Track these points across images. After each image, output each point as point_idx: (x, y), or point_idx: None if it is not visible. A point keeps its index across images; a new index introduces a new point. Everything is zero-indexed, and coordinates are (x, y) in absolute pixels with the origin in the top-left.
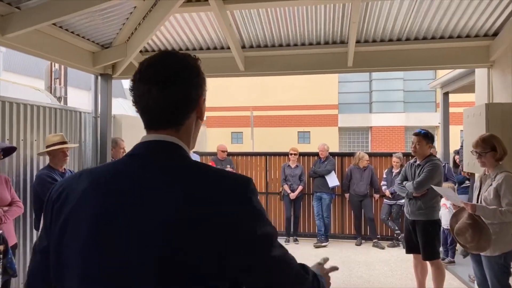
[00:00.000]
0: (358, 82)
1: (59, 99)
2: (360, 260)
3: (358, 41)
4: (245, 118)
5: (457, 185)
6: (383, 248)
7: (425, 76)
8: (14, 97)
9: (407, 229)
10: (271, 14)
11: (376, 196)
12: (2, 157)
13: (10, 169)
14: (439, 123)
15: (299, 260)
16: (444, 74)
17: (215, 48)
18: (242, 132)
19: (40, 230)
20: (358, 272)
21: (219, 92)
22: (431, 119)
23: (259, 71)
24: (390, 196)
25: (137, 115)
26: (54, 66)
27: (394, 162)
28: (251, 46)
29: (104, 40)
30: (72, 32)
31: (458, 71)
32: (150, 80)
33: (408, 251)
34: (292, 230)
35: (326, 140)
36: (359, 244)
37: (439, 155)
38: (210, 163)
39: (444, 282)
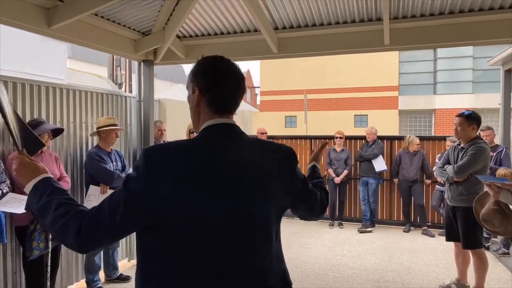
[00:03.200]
0: (421, 62)
1: (120, 85)
2: (405, 247)
3: (395, 17)
4: (299, 101)
5: None
6: (433, 236)
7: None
8: (74, 84)
9: (447, 216)
10: None
11: (428, 181)
12: (51, 137)
13: (61, 148)
14: (499, 103)
15: (342, 245)
16: (505, 48)
17: (248, 31)
18: (296, 116)
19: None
20: (399, 258)
21: (273, 75)
22: None
23: (293, 52)
24: (442, 182)
25: (181, 100)
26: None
27: (447, 146)
28: (284, 27)
29: (144, 27)
30: (113, 22)
31: None
32: (236, 78)
33: (448, 239)
34: (337, 215)
35: (385, 123)
36: (407, 231)
37: (498, 138)
38: None
39: (486, 273)
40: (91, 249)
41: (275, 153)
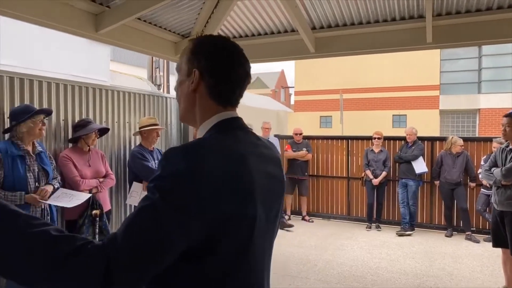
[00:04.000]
0: (464, 59)
1: (159, 86)
2: (447, 252)
3: (439, 14)
4: (335, 101)
5: None
6: (477, 241)
7: None
8: (111, 85)
9: (495, 221)
10: None
11: (472, 184)
12: (98, 136)
13: (106, 146)
14: None
15: (379, 248)
16: None
17: (285, 31)
18: (331, 116)
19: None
20: (441, 264)
21: (308, 75)
22: None
23: (331, 52)
24: (488, 185)
25: None
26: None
27: (494, 147)
28: (322, 27)
29: (184, 30)
30: (155, 25)
31: None
32: (245, 64)
33: (495, 245)
34: (374, 217)
35: (425, 124)
36: (449, 236)
37: None
38: (286, 147)
39: None
40: None
41: (278, 153)
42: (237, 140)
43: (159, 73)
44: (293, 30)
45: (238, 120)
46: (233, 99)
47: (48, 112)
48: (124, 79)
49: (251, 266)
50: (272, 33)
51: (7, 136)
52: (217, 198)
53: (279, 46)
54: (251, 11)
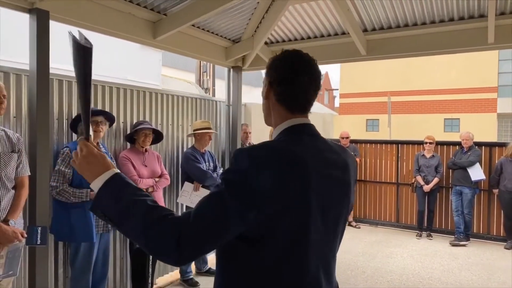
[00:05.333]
0: None
1: (206, 90)
2: (508, 265)
3: (502, 13)
4: (382, 104)
5: None
6: None
7: None
8: (166, 89)
9: None
10: None
11: None
12: (152, 141)
13: (160, 147)
14: None
15: (431, 257)
16: None
17: (336, 34)
18: (378, 119)
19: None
20: (501, 277)
21: (353, 77)
22: None
23: (383, 54)
24: None
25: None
26: (199, 60)
27: None
28: (374, 29)
29: (234, 35)
30: (207, 31)
31: None
32: (312, 75)
33: None
34: (425, 225)
35: (480, 128)
36: (509, 248)
37: None
38: None
39: None
40: (190, 261)
41: (350, 155)
42: (301, 144)
43: (206, 77)
44: (343, 33)
45: (307, 126)
46: (299, 105)
47: (106, 114)
48: (174, 83)
49: (303, 259)
50: (322, 36)
51: (75, 137)
52: (273, 194)
53: (330, 49)
54: (302, 15)
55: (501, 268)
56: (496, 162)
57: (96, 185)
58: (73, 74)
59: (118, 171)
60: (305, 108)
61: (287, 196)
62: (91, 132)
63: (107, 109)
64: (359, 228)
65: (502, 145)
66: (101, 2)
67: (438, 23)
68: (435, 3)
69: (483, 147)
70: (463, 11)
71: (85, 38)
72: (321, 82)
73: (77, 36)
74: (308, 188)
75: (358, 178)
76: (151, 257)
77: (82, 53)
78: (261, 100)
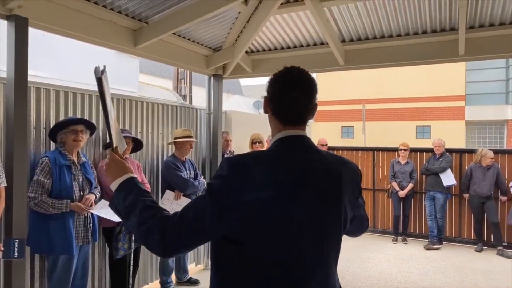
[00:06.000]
0: (491, 70)
1: (184, 97)
2: (478, 267)
3: (471, 27)
4: (357, 111)
5: None
6: (509, 257)
7: None
8: (145, 96)
9: None
10: (370, 6)
11: (503, 198)
12: (132, 149)
13: (140, 156)
14: None
15: (407, 261)
16: None
17: (315, 44)
18: (353, 127)
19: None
20: (473, 279)
21: (329, 85)
22: None
23: (360, 64)
24: None
25: (245, 112)
26: (180, 68)
27: None
28: (351, 40)
29: (215, 44)
30: (188, 39)
31: None
32: (302, 89)
33: None
34: (400, 229)
35: (450, 135)
36: (479, 251)
37: None
38: None
39: None
40: (173, 255)
41: (346, 167)
42: (289, 154)
43: (184, 84)
44: (322, 43)
45: (298, 138)
46: (290, 119)
47: (86, 123)
48: (151, 90)
49: (283, 266)
50: (301, 46)
51: (53, 146)
52: (249, 199)
53: (310, 58)
54: (282, 25)
55: (473, 270)
56: (466, 168)
57: (113, 186)
58: (50, 81)
59: (134, 175)
60: (297, 121)
61: (263, 203)
62: (115, 144)
63: (86, 118)
64: None
65: (471, 151)
66: (82, 9)
67: (412, 35)
68: (410, 16)
69: (454, 153)
70: (436, 24)
71: (103, 71)
72: (314, 93)
73: (100, 68)
74: (288, 196)
75: None
76: (131, 268)
77: (97, 83)
78: (241, 108)
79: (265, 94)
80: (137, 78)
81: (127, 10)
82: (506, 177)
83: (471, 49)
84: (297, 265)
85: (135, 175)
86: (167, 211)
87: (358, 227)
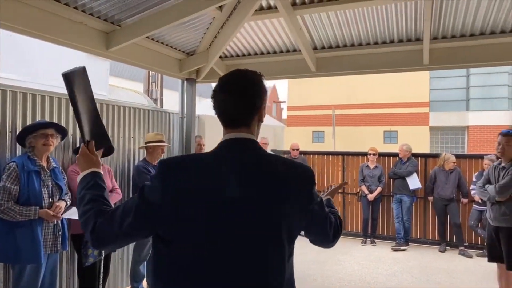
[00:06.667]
0: (453, 78)
1: (155, 100)
2: (442, 267)
3: (435, 38)
4: (327, 117)
5: None
6: (470, 257)
7: None
8: (116, 100)
9: (490, 236)
10: (341, 16)
11: (464, 200)
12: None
13: (111, 160)
14: None
15: (376, 262)
16: None
17: (287, 51)
18: (323, 131)
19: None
20: (437, 278)
21: (300, 91)
22: None
23: (331, 71)
24: (480, 201)
25: None
26: (152, 71)
27: (485, 164)
28: (323, 47)
29: (189, 48)
30: (162, 43)
31: None
32: (230, 91)
33: (490, 259)
34: (369, 232)
35: (415, 140)
36: (442, 251)
37: None
38: None
39: None
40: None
41: (294, 171)
42: (219, 157)
43: (155, 88)
44: (295, 50)
45: (240, 141)
46: (229, 122)
47: (56, 127)
48: (122, 93)
49: (205, 270)
50: (275, 52)
51: (19, 151)
52: (177, 202)
53: (282, 64)
54: (256, 32)
55: (437, 269)
56: (431, 171)
57: (78, 178)
58: (17, 83)
59: (97, 170)
60: (234, 123)
61: (193, 204)
62: (87, 138)
63: (55, 121)
64: None
65: (435, 156)
66: (52, 10)
67: (381, 44)
68: (378, 27)
69: (419, 158)
70: (402, 34)
71: (82, 70)
72: (253, 95)
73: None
74: (212, 198)
75: None
76: (101, 275)
77: (65, 81)
78: (211, 111)
79: None
80: (107, 81)
81: (99, 12)
82: (467, 180)
83: (434, 58)
84: (222, 270)
85: (99, 170)
86: (109, 207)
87: (322, 236)
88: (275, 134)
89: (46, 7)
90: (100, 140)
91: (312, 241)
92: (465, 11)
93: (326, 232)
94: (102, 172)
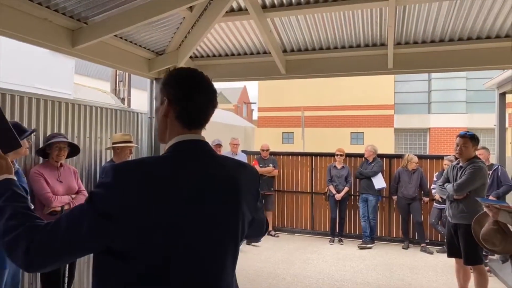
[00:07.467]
0: (416, 82)
1: (122, 100)
2: (405, 263)
3: (398, 43)
4: (297, 118)
5: None
6: (431, 253)
7: (491, 75)
8: (82, 99)
9: (449, 233)
10: (310, 20)
11: (426, 199)
12: (67, 154)
13: (77, 161)
14: (494, 125)
15: (343, 261)
16: (501, 73)
17: (258, 53)
18: (293, 132)
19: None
20: (400, 275)
21: (271, 92)
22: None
23: (300, 74)
24: (440, 199)
25: None
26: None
27: (445, 164)
28: (292, 50)
29: (158, 48)
30: (130, 42)
31: None
32: (210, 92)
33: (449, 255)
34: (337, 231)
35: (381, 141)
36: (406, 248)
37: (494, 158)
38: (253, 162)
39: None
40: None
41: (245, 171)
42: (179, 160)
43: (123, 87)
44: (265, 52)
45: (196, 142)
46: (196, 123)
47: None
48: (87, 92)
49: (168, 279)
50: (245, 54)
51: None
52: (135, 210)
53: (253, 66)
54: (227, 33)
55: (400, 265)
56: (395, 172)
57: None
58: None
59: (11, 177)
60: (201, 124)
61: (145, 213)
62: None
63: (16, 121)
64: (278, 237)
65: (399, 156)
66: (14, 5)
67: (347, 48)
68: (345, 31)
69: (384, 158)
70: (368, 39)
71: None
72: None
73: None
74: (175, 205)
75: (276, 189)
76: (66, 279)
77: None
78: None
79: (165, 95)
80: (72, 79)
81: (64, 9)
82: (429, 180)
83: (398, 63)
84: (186, 273)
85: (12, 176)
86: (41, 220)
87: (258, 231)
88: (246, 135)
89: (8, 2)
90: (7, 144)
91: (246, 236)
92: (425, 19)
93: (263, 227)
94: (15, 178)
